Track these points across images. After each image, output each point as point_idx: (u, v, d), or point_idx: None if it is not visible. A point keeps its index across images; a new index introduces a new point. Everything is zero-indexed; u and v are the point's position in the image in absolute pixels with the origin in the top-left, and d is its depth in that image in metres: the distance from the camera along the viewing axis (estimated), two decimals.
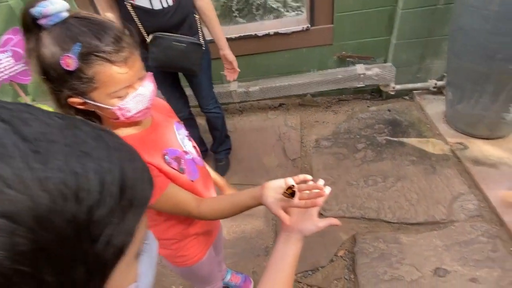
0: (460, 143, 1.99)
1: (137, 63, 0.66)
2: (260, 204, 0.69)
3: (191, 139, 0.90)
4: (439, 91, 2.39)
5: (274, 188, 0.67)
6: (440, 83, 2.33)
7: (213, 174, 1.05)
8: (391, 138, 2.19)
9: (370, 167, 2.02)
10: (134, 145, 0.76)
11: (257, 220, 1.89)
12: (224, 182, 1.08)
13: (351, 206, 1.82)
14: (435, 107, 2.32)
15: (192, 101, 2.08)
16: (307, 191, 0.67)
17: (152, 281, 0.33)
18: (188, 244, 0.92)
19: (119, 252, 0.26)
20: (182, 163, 0.80)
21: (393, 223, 1.70)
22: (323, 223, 0.63)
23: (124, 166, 0.26)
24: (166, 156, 0.76)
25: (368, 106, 2.58)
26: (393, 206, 1.76)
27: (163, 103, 0.90)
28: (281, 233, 0.65)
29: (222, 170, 2.24)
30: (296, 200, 0.65)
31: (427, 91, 2.45)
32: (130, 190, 0.26)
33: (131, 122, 0.72)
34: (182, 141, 0.85)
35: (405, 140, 2.16)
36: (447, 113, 2.15)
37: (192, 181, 0.82)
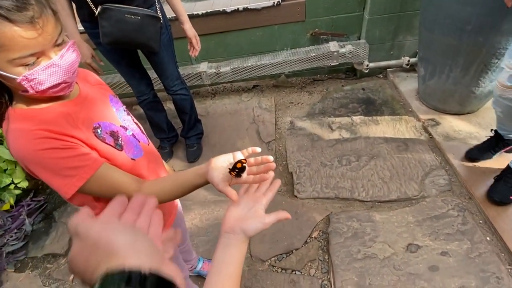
0: (432, 119, 1.99)
1: (51, 26, 0.54)
2: (208, 182, 0.62)
3: (130, 113, 0.80)
4: (411, 68, 2.37)
5: (221, 163, 0.59)
6: (413, 60, 2.31)
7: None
8: (365, 117, 2.16)
9: (344, 147, 1.98)
10: (53, 117, 0.63)
11: None
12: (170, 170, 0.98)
13: (325, 186, 1.78)
14: (408, 85, 2.31)
15: (160, 85, 1.93)
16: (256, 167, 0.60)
17: None
18: None
19: None
20: (120, 139, 0.70)
21: (367, 201, 1.68)
22: (270, 218, 0.53)
23: None
24: (98, 130, 0.66)
25: (342, 86, 2.53)
26: (366, 184, 1.74)
27: (92, 74, 0.78)
28: (220, 235, 0.54)
29: (193, 156, 2.14)
30: (244, 175, 0.57)
31: (400, 68, 2.43)
32: None
33: (47, 98, 0.61)
34: (120, 115, 0.75)
35: (378, 118, 2.13)
36: (420, 90, 2.14)
37: (133, 159, 0.72)
